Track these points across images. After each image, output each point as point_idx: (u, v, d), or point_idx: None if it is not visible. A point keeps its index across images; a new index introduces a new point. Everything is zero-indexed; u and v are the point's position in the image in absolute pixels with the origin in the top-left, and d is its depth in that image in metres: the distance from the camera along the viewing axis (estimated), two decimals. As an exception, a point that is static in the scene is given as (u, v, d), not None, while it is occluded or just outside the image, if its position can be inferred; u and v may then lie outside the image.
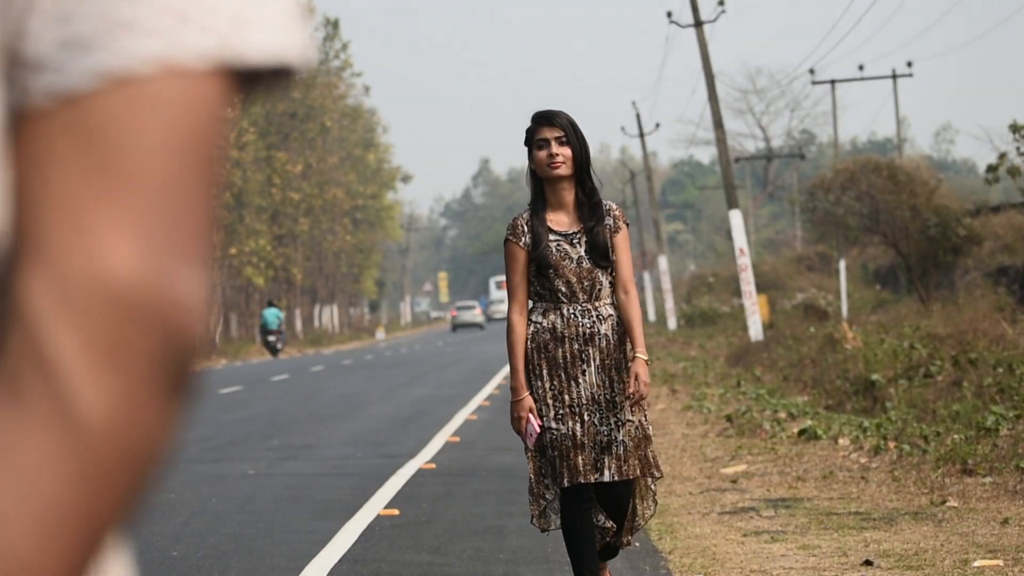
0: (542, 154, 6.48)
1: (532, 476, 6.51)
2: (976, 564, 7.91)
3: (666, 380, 24.35)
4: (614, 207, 6.60)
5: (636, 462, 6.46)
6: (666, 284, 50.56)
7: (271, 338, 55.03)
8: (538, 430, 6.40)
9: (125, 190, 0.73)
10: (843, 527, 9.33)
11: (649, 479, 6.58)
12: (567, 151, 6.46)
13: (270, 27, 0.75)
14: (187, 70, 0.74)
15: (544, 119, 6.53)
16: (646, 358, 6.48)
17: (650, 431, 6.57)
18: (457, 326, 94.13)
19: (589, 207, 6.51)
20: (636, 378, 6.39)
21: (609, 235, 6.51)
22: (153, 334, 0.74)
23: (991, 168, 27.32)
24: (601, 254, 6.47)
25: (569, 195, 6.53)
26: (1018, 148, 25.65)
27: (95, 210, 0.73)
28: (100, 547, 0.77)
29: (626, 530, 6.67)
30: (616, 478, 6.42)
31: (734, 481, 11.88)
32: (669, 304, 50.04)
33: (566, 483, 6.39)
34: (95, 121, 0.73)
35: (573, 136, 6.48)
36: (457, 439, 16.54)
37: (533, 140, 6.54)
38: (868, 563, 8.07)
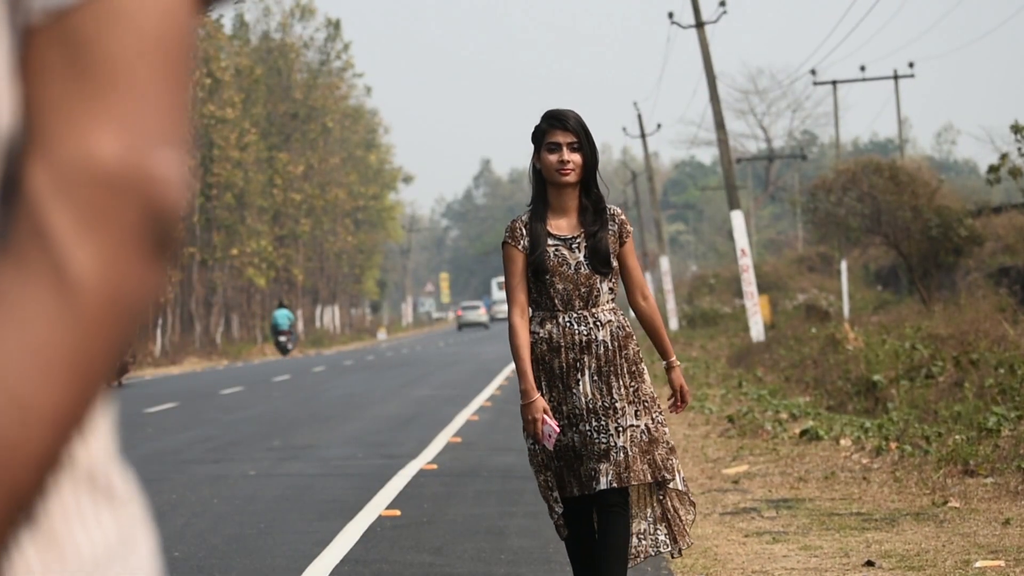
0: (552, 158, 6.24)
1: (540, 488, 6.38)
2: (978, 565, 7.90)
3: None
4: (618, 212, 6.39)
5: (644, 467, 6.24)
6: (667, 285, 50.56)
7: (282, 338, 55.56)
8: (557, 430, 6.16)
9: (105, 88, 0.86)
10: (845, 528, 9.33)
11: (675, 483, 6.36)
12: (578, 158, 6.23)
13: None
14: None
15: (557, 122, 6.27)
16: (678, 365, 6.55)
17: (658, 433, 6.33)
18: (463, 325, 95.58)
19: (593, 212, 6.32)
20: (682, 389, 6.50)
21: (613, 242, 6.31)
22: (135, 205, 0.86)
23: (992, 169, 27.30)
24: (602, 260, 6.28)
25: (573, 201, 6.33)
26: (1019, 149, 25.64)
27: (81, 106, 0.86)
28: (91, 394, 0.88)
29: (679, 534, 6.41)
30: (614, 484, 6.19)
31: (736, 482, 11.88)
32: (670, 305, 50.04)
33: (576, 493, 6.23)
34: (78, 31, 0.86)
35: (585, 142, 6.25)
36: (459, 440, 16.54)
37: (543, 141, 6.29)
38: (870, 564, 8.06)
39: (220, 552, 9.16)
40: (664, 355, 6.50)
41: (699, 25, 32.13)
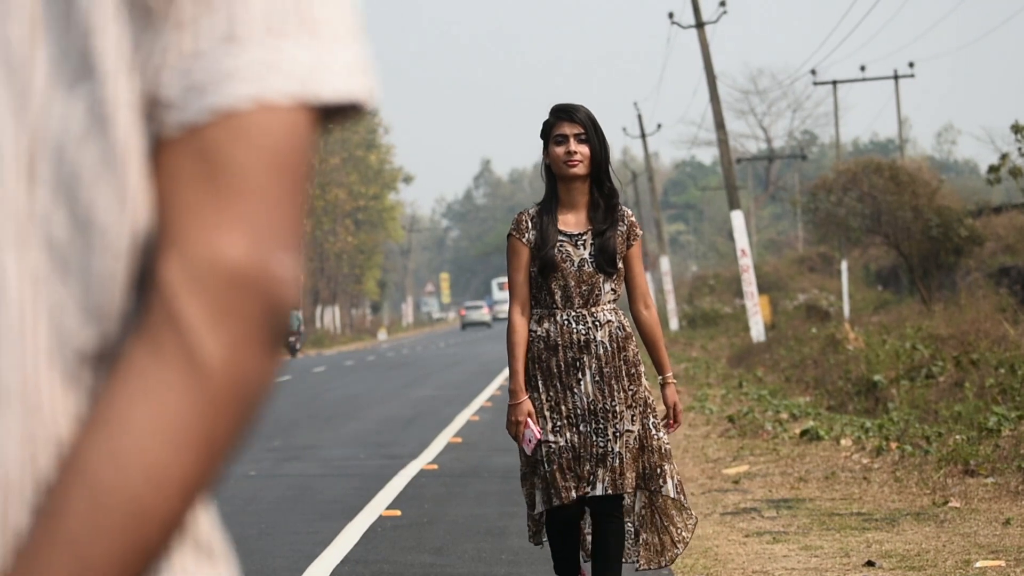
0: (559, 151, 6.14)
1: (524, 494, 6.26)
2: (978, 565, 7.91)
3: (668, 381, 24.36)
4: (629, 213, 6.26)
5: (632, 475, 6.15)
6: (668, 285, 50.57)
7: (291, 339, 56.13)
8: (538, 436, 6.10)
9: (234, 195, 0.97)
10: (845, 528, 9.33)
11: (666, 489, 6.24)
12: (585, 149, 6.12)
13: (341, 73, 0.99)
14: (275, 106, 0.97)
15: (564, 113, 6.18)
16: (673, 381, 6.39)
17: (649, 440, 6.22)
18: (466, 324, 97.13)
19: (605, 209, 6.19)
20: (675, 407, 6.34)
21: (621, 242, 6.19)
22: (257, 301, 0.97)
23: (993, 169, 27.31)
24: (609, 260, 6.15)
25: (583, 196, 6.21)
26: (1020, 148, 25.64)
27: (213, 210, 0.96)
28: (215, 466, 0.99)
29: (667, 545, 6.28)
30: (609, 491, 6.10)
31: (736, 482, 11.88)
32: (671, 305, 50.05)
33: (563, 498, 6.07)
34: (209, 145, 0.97)
35: (593, 134, 6.14)
36: (459, 440, 16.54)
37: (550, 135, 6.20)
38: (870, 564, 8.07)
39: (221, 552, 9.16)
40: (660, 370, 6.37)
41: (699, 25, 32.14)
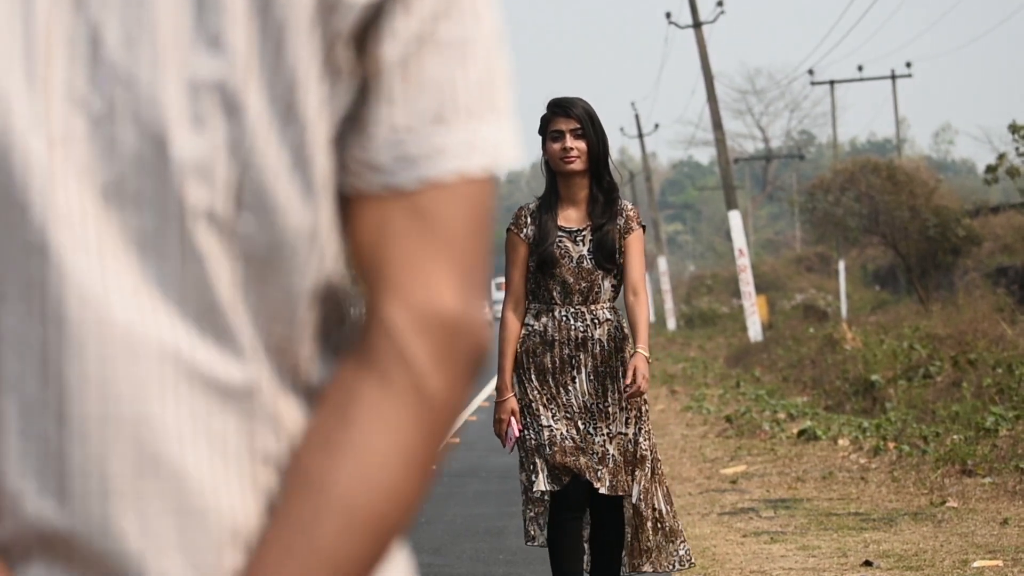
0: (556, 147, 6.10)
1: (523, 479, 6.17)
2: (976, 565, 7.91)
3: (665, 381, 24.35)
4: (628, 207, 6.17)
5: (628, 478, 6.10)
6: (665, 285, 50.58)
7: None
8: (517, 435, 6.07)
9: (445, 251, 1.14)
10: (843, 528, 9.33)
11: (632, 498, 6.14)
12: (582, 145, 6.07)
13: (511, 145, 1.18)
14: (473, 177, 1.15)
15: (560, 109, 6.12)
16: (647, 355, 6.08)
17: (645, 449, 6.11)
18: None
19: (604, 204, 6.11)
20: (635, 371, 5.98)
21: (619, 236, 6.11)
22: (468, 342, 1.14)
23: (990, 168, 27.34)
24: (607, 256, 6.08)
25: (582, 191, 6.14)
26: (1017, 148, 25.67)
27: (429, 264, 1.13)
28: (429, 480, 1.15)
29: (637, 552, 6.22)
30: (611, 492, 6.07)
31: (734, 482, 11.89)
32: (668, 305, 50.05)
33: (565, 480, 6.02)
34: (421, 208, 1.13)
35: (590, 128, 6.10)
36: (457, 440, 16.54)
37: (547, 130, 6.15)
38: (868, 564, 8.07)
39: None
40: (635, 342, 6.11)
41: (696, 25, 32.14)
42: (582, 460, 6.04)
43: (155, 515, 1.08)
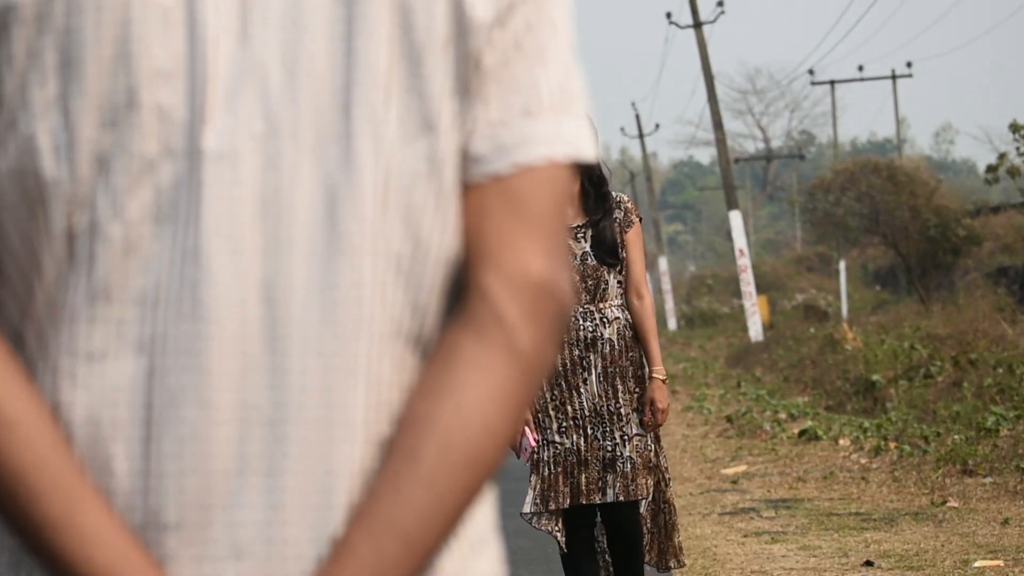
0: None
1: (533, 493, 6.03)
2: (977, 564, 7.90)
3: (666, 381, 24.37)
4: (625, 199, 6.06)
5: (646, 480, 5.94)
6: (666, 285, 50.57)
7: None
8: (533, 444, 5.93)
9: (533, 227, 1.31)
10: (844, 528, 9.33)
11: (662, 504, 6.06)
12: None
13: (589, 139, 1.35)
14: (558, 163, 1.33)
15: None
16: (664, 378, 6.00)
17: (654, 455, 6.01)
18: None
19: (596, 198, 5.99)
20: (652, 404, 5.93)
21: (619, 230, 6.00)
22: (552, 304, 1.31)
23: (991, 168, 27.32)
24: (608, 251, 5.95)
25: (574, 185, 5.99)
26: (1018, 148, 25.65)
27: (520, 239, 1.31)
28: (519, 424, 1.33)
29: (670, 552, 6.14)
30: (621, 498, 5.90)
31: (734, 482, 11.88)
32: (669, 305, 50.04)
33: (569, 503, 5.92)
34: (514, 190, 1.32)
35: None
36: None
37: None
38: (869, 564, 8.06)
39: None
40: (649, 363, 6.04)
41: (697, 25, 32.14)
42: (583, 478, 5.92)
43: (280, 487, 1.25)
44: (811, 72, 58.55)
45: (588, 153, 1.36)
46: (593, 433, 5.93)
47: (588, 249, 6.00)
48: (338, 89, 1.27)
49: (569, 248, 6.03)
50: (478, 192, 1.32)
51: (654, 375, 5.99)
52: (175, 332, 1.24)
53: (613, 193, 6.05)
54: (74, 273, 1.25)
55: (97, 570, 1.22)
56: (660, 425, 5.98)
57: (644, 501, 6.08)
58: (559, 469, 5.95)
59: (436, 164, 1.31)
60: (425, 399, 1.28)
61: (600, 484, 5.91)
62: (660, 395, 5.95)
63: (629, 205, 6.07)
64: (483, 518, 1.38)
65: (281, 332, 1.25)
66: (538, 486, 5.99)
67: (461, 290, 1.32)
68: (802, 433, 14.43)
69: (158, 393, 1.24)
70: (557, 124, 1.34)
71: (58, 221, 1.26)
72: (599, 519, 6.19)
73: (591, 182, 6.02)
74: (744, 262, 29.44)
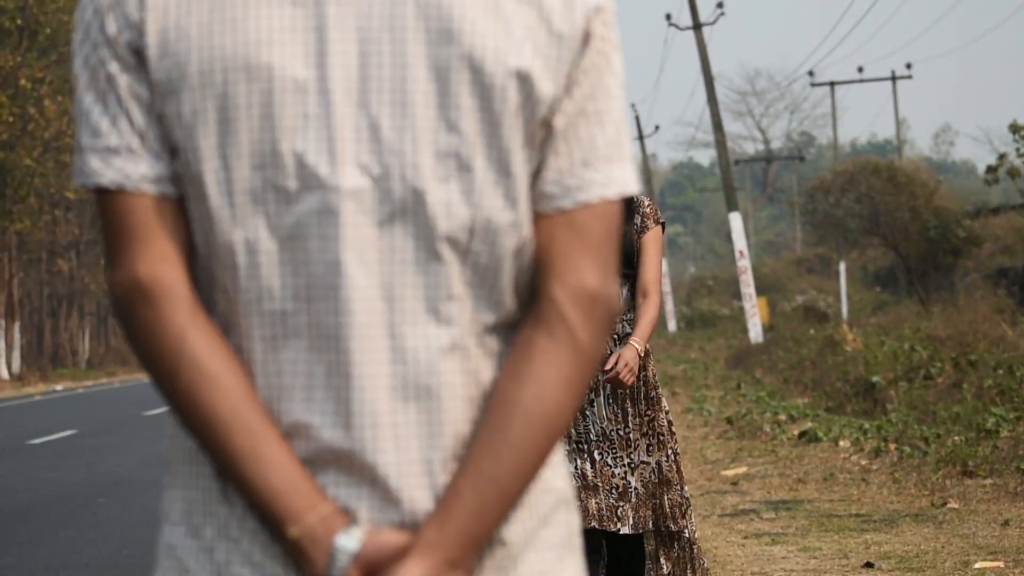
0: None
1: None
2: (977, 566, 7.90)
3: (666, 382, 24.35)
4: (645, 203, 5.75)
5: (648, 512, 5.65)
6: (666, 286, 50.58)
7: None
8: None
9: (590, 250, 1.73)
10: (844, 529, 9.33)
11: (694, 533, 5.75)
12: None
13: (633, 181, 1.77)
14: (609, 200, 1.75)
15: None
16: (640, 348, 5.60)
17: (671, 473, 5.69)
18: None
19: None
20: (618, 358, 5.52)
21: (636, 236, 5.70)
22: (604, 310, 1.72)
23: (991, 169, 27.32)
24: (624, 260, 5.65)
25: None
26: (1018, 149, 25.65)
27: (580, 258, 1.72)
28: (577, 407, 1.74)
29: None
30: (630, 532, 5.60)
31: (735, 483, 11.88)
32: (669, 307, 50.06)
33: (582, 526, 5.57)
34: (575, 221, 1.73)
35: None
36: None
37: None
38: (869, 565, 8.06)
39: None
40: (633, 333, 5.65)
41: (696, 27, 32.14)
42: (592, 503, 5.63)
43: (404, 438, 1.68)
44: (811, 73, 58.57)
45: (633, 190, 1.77)
46: (602, 459, 5.63)
47: None
48: (435, 144, 1.68)
49: None
50: (548, 221, 1.74)
51: (632, 342, 5.59)
52: (325, 321, 1.67)
53: (635, 197, 5.69)
54: (241, 277, 1.68)
55: (273, 489, 1.65)
56: (622, 384, 5.56)
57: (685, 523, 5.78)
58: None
59: (511, 200, 1.71)
60: (511, 382, 1.70)
61: (618, 513, 5.61)
62: (629, 354, 5.54)
63: (647, 209, 5.76)
64: (551, 474, 1.79)
65: (398, 321, 1.68)
66: None
67: (533, 296, 1.74)
68: (802, 434, 14.43)
69: (315, 367, 1.67)
70: (609, 171, 1.75)
71: (222, 238, 1.68)
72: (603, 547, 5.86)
73: None
74: (744, 264, 29.44)
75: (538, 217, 1.74)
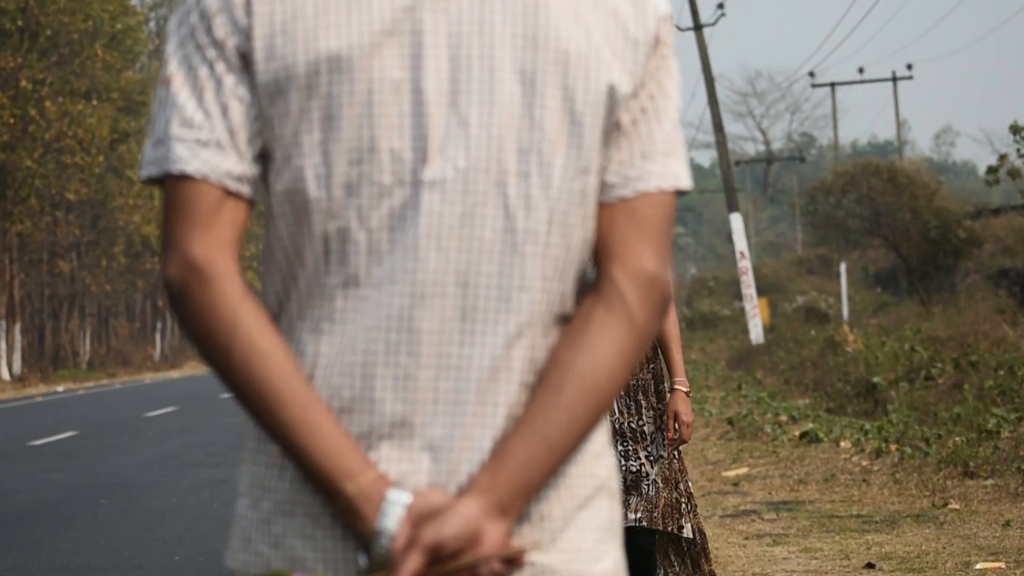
0: None
1: None
2: (978, 566, 7.90)
3: (689, 394, 24.34)
4: None
5: (663, 508, 5.55)
6: (667, 287, 50.53)
7: None
8: None
9: (648, 236, 1.86)
10: (845, 530, 9.33)
11: (688, 533, 5.65)
12: None
13: (687, 174, 1.91)
14: (666, 191, 1.89)
15: None
16: (687, 390, 5.63)
17: (676, 471, 5.64)
18: None
19: None
20: (676, 418, 5.54)
21: None
22: (660, 292, 1.86)
23: (991, 170, 27.31)
24: None
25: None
26: (1018, 150, 25.65)
27: (639, 244, 1.86)
28: (629, 377, 1.86)
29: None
30: (644, 523, 5.50)
31: (736, 484, 11.88)
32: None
33: None
34: (636, 209, 1.87)
35: None
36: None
37: None
38: (870, 566, 8.06)
39: (220, 556, 9.14)
40: (671, 373, 5.66)
41: (697, 28, 32.12)
42: None
43: (463, 415, 1.79)
44: (812, 74, 58.55)
45: (686, 184, 1.92)
46: (615, 453, 5.61)
47: None
48: (519, 141, 1.82)
49: None
50: (609, 209, 1.87)
51: (676, 386, 5.63)
52: (400, 303, 1.79)
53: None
54: (329, 264, 1.81)
55: (329, 452, 1.76)
56: (685, 442, 5.59)
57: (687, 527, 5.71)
58: None
59: (586, 196, 1.86)
60: (568, 348, 1.83)
61: (626, 503, 5.53)
62: (684, 407, 5.58)
63: None
64: (600, 438, 1.91)
65: (470, 306, 1.80)
66: None
67: (595, 278, 1.86)
68: (803, 435, 14.43)
69: (385, 345, 1.79)
70: (666, 164, 1.89)
71: (318, 228, 1.81)
72: None
73: None
74: (745, 264, 29.43)
75: (600, 207, 1.87)
